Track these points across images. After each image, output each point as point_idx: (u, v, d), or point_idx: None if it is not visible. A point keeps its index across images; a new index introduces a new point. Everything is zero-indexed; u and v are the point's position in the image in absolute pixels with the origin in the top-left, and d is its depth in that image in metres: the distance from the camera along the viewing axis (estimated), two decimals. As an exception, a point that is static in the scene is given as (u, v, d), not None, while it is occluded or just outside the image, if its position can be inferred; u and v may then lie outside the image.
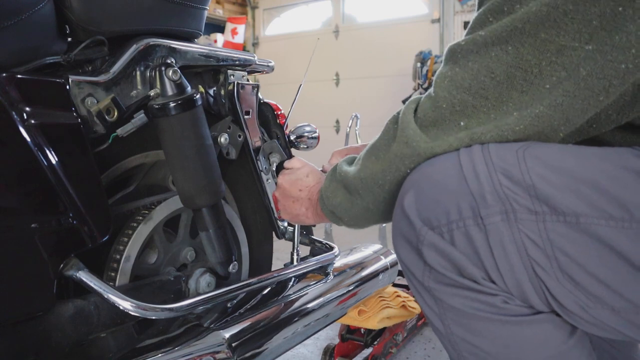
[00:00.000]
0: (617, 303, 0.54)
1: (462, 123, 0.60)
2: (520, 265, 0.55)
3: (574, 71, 0.53)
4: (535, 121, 0.56)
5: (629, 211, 0.51)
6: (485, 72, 0.57)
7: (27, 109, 0.71)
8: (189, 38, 1.01)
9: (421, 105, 0.64)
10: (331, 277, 1.15)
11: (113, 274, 0.88)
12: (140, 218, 0.92)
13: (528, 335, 0.58)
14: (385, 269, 1.31)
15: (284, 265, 1.14)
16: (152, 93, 0.87)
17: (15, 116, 0.70)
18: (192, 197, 0.92)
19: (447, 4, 5.04)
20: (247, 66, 1.11)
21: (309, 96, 5.02)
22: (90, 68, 0.86)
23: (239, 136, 1.09)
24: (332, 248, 1.23)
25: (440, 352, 1.60)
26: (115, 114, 0.83)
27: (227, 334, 0.85)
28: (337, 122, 5.66)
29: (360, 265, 1.25)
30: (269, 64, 1.18)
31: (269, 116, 1.19)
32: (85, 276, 0.75)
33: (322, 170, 0.92)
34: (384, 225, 2.27)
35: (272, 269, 1.22)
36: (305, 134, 1.24)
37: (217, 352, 0.82)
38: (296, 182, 0.89)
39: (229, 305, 0.94)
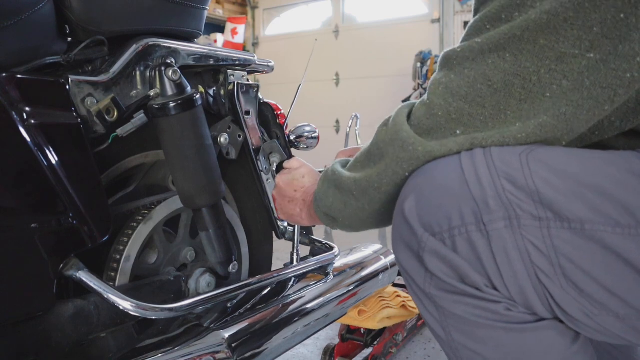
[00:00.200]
0: (622, 310, 0.53)
1: (458, 131, 0.58)
2: (524, 272, 0.54)
3: (576, 80, 0.52)
4: (539, 130, 0.55)
5: (635, 217, 0.51)
6: (482, 80, 0.56)
7: (27, 109, 0.71)
8: (189, 38, 1.01)
9: (415, 111, 0.62)
10: (331, 277, 1.15)
11: (113, 274, 0.88)
12: (140, 218, 0.92)
13: (531, 343, 0.57)
14: (385, 269, 1.31)
15: (284, 265, 1.14)
16: (152, 93, 0.87)
17: (15, 116, 0.70)
18: (192, 197, 0.92)
19: (447, 4, 5.03)
20: (247, 66, 1.11)
21: (309, 96, 5.03)
22: (90, 68, 0.86)
23: (239, 136, 1.09)
24: (332, 248, 1.23)
25: (440, 352, 1.61)
26: (115, 114, 0.83)
27: (227, 334, 0.85)
28: (337, 122, 5.66)
29: (360, 265, 1.25)
30: (269, 64, 1.18)
31: (269, 116, 1.19)
32: (85, 276, 0.75)
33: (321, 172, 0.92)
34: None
35: (272, 269, 1.22)
36: (305, 134, 1.24)
37: (217, 352, 0.82)
38: (292, 182, 0.88)
39: (229, 305, 0.94)
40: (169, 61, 0.89)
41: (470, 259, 0.56)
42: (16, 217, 0.69)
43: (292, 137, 1.23)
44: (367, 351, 1.49)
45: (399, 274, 1.48)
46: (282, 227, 1.21)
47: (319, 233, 2.09)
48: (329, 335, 1.71)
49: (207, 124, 0.94)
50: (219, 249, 0.97)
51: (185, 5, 0.94)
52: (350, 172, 0.70)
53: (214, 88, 1.10)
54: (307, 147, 1.25)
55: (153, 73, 0.88)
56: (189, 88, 0.90)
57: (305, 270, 1.13)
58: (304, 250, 1.19)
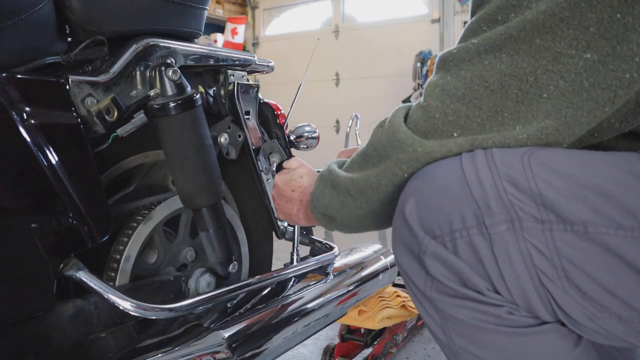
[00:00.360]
0: (625, 312, 0.53)
1: (455, 134, 0.58)
2: (526, 275, 0.54)
3: (574, 81, 0.52)
4: (539, 132, 0.55)
5: (637, 219, 0.50)
6: (479, 81, 0.55)
7: (27, 109, 0.71)
8: (189, 38, 1.01)
9: (412, 114, 0.62)
10: (331, 277, 1.15)
11: (113, 274, 0.88)
12: (140, 218, 0.92)
13: (533, 347, 0.57)
14: (385, 269, 1.31)
15: (284, 265, 1.14)
16: (152, 93, 0.87)
17: (15, 116, 0.70)
18: (192, 197, 0.92)
19: (447, 4, 5.03)
20: (247, 66, 1.11)
21: (309, 96, 5.02)
22: (90, 68, 0.86)
23: (239, 136, 1.09)
24: (332, 248, 1.23)
25: (440, 352, 1.60)
26: (115, 114, 0.83)
27: (227, 334, 0.85)
28: (337, 122, 5.66)
29: (360, 265, 1.25)
30: (269, 64, 1.18)
31: (269, 116, 1.19)
32: (85, 276, 0.75)
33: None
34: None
35: (272, 269, 1.22)
36: (305, 134, 1.24)
37: (217, 352, 0.82)
38: (290, 182, 0.88)
39: (229, 305, 0.94)
40: (169, 61, 0.89)
41: (472, 262, 0.56)
42: (16, 217, 0.69)
43: (292, 137, 1.23)
44: (367, 351, 1.49)
45: (399, 274, 1.48)
46: (282, 227, 1.21)
47: (319, 233, 2.09)
48: (329, 335, 1.71)
49: (207, 124, 0.94)
50: (219, 249, 0.97)
51: (185, 5, 0.95)
52: (347, 170, 0.70)
53: (214, 88, 1.10)
54: (307, 147, 1.25)
55: (153, 73, 0.88)
56: (189, 88, 0.90)
57: (305, 271, 1.13)
58: (304, 250, 1.19)
